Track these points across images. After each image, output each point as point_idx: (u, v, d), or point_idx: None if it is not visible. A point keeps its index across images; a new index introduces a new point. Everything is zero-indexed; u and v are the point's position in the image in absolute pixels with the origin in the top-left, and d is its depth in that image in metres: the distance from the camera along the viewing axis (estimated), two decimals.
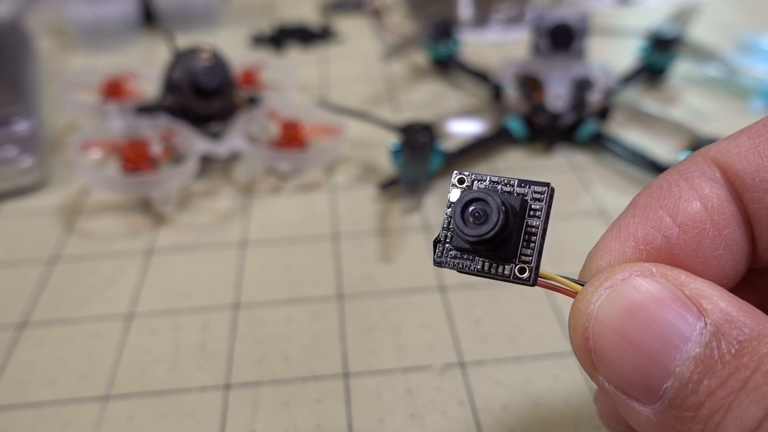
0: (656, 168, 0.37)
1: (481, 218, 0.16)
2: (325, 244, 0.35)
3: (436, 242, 0.17)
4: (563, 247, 0.33)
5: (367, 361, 0.28)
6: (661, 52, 0.47)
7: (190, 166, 0.37)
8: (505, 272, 0.16)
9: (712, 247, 0.16)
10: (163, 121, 0.40)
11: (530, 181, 0.17)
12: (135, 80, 0.46)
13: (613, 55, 0.53)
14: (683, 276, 0.15)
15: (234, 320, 0.30)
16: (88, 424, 0.26)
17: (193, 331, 0.30)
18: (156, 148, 0.38)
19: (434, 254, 0.17)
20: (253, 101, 0.43)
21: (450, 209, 0.17)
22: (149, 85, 0.46)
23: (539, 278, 0.16)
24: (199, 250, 0.35)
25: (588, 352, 0.15)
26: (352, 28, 0.62)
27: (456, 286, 0.31)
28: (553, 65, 0.43)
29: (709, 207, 0.16)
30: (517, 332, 0.29)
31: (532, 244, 0.16)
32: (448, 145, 0.40)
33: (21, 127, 0.41)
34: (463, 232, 0.16)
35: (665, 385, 0.14)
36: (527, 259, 0.16)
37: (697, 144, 0.37)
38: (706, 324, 0.14)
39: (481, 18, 0.59)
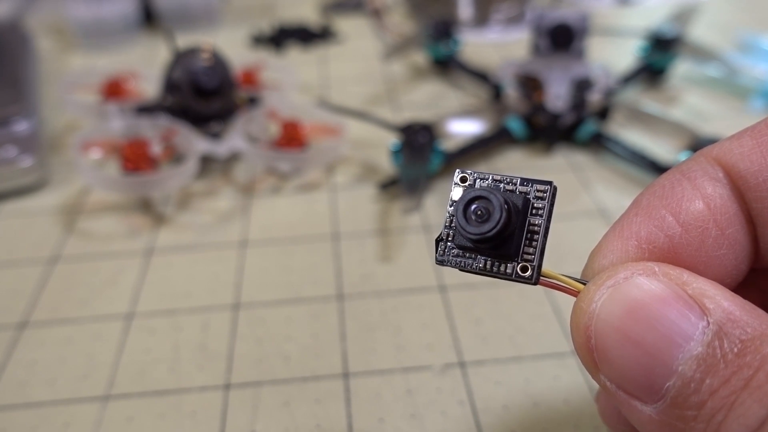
0: (656, 168, 0.37)
1: (484, 216, 0.16)
2: (325, 244, 0.35)
3: (438, 241, 0.17)
4: (563, 247, 0.33)
5: (367, 361, 0.28)
6: (661, 52, 0.47)
7: (190, 166, 0.37)
8: (507, 271, 0.16)
9: (714, 246, 0.16)
10: (163, 121, 0.40)
11: (533, 179, 0.17)
12: (135, 80, 0.46)
13: (613, 55, 0.53)
14: (686, 275, 0.15)
15: (234, 320, 0.30)
16: (88, 424, 0.26)
17: (193, 331, 0.30)
18: (156, 148, 0.38)
19: (436, 253, 0.17)
20: (253, 101, 0.43)
21: (452, 207, 0.17)
22: (149, 85, 0.46)
23: (541, 277, 0.16)
24: (199, 250, 0.35)
25: (590, 351, 0.15)
26: (352, 28, 0.62)
27: (456, 286, 0.31)
28: (553, 65, 0.43)
29: (712, 206, 0.16)
30: (517, 332, 0.29)
31: (534, 243, 0.16)
32: (448, 145, 0.40)
33: (21, 127, 0.41)
34: (465, 230, 0.16)
35: (667, 384, 0.14)
36: (529, 257, 0.16)
37: (697, 144, 0.37)
38: (708, 323, 0.14)
39: (481, 18, 0.59)
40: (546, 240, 0.16)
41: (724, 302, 0.14)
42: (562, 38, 0.45)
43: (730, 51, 0.52)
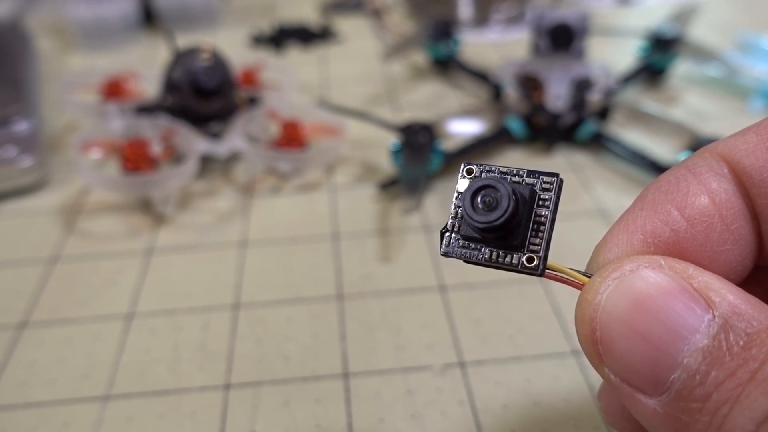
0: (656, 168, 0.37)
1: (492, 205, 0.16)
2: (325, 244, 0.35)
3: (443, 232, 0.17)
4: (563, 247, 0.33)
5: (367, 361, 0.28)
6: (661, 52, 0.47)
7: (190, 166, 0.37)
8: (513, 261, 0.16)
9: (720, 241, 0.16)
10: (163, 121, 0.40)
11: (539, 171, 0.16)
12: (135, 80, 0.46)
13: (613, 55, 0.53)
14: (691, 269, 0.15)
15: (234, 320, 0.30)
16: (88, 424, 0.26)
17: (193, 331, 0.30)
18: (156, 148, 0.38)
19: (441, 244, 0.17)
20: (253, 101, 0.43)
21: (458, 198, 0.17)
22: (149, 85, 0.46)
23: (546, 269, 0.16)
24: (199, 250, 0.35)
25: (594, 343, 0.15)
26: (352, 28, 0.62)
27: (456, 286, 0.31)
28: (553, 65, 0.43)
29: (717, 202, 0.16)
30: (517, 332, 0.29)
31: (540, 234, 0.16)
32: (448, 145, 0.40)
33: (21, 127, 0.41)
34: (472, 219, 0.16)
35: (672, 376, 0.14)
36: (536, 248, 0.16)
37: (697, 144, 0.37)
38: (714, 316, 0.14)
39: (481, 18, 0.59)
40: (552, 231, 0.16)
41: (729, 296, 0.14)
42: (562, 38, 0.45)
43: (730, 51, 0.52)
